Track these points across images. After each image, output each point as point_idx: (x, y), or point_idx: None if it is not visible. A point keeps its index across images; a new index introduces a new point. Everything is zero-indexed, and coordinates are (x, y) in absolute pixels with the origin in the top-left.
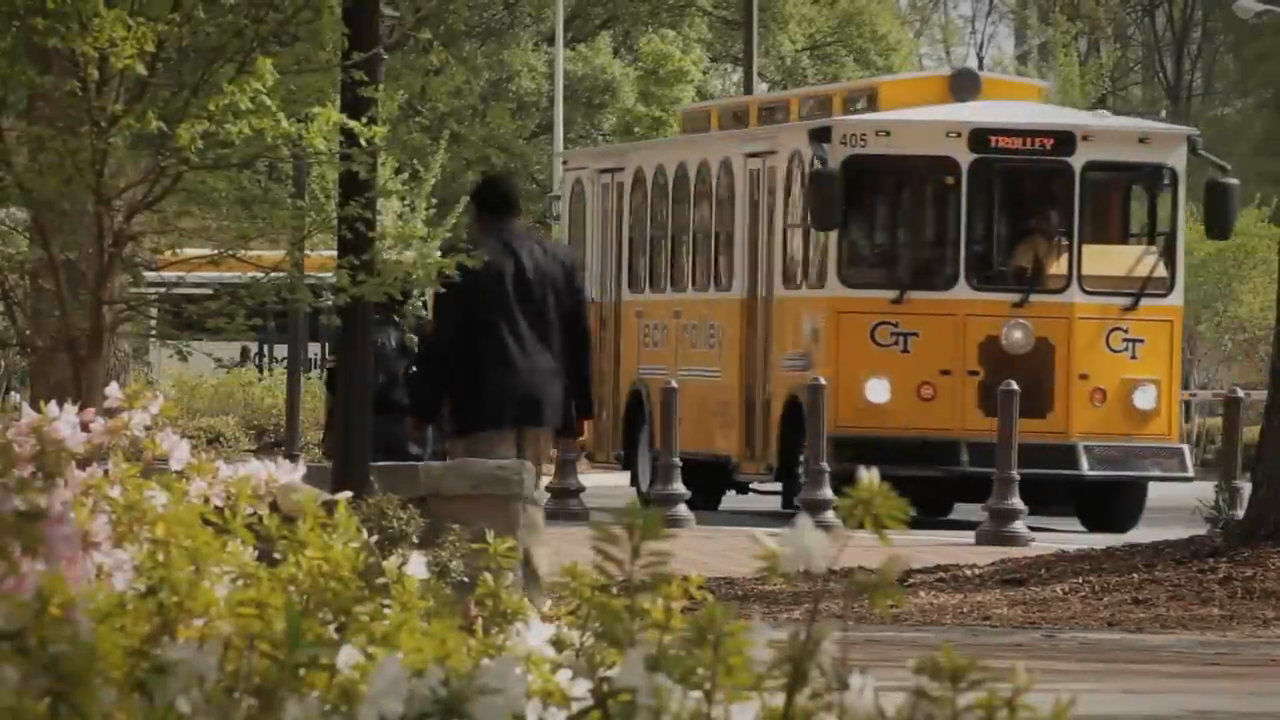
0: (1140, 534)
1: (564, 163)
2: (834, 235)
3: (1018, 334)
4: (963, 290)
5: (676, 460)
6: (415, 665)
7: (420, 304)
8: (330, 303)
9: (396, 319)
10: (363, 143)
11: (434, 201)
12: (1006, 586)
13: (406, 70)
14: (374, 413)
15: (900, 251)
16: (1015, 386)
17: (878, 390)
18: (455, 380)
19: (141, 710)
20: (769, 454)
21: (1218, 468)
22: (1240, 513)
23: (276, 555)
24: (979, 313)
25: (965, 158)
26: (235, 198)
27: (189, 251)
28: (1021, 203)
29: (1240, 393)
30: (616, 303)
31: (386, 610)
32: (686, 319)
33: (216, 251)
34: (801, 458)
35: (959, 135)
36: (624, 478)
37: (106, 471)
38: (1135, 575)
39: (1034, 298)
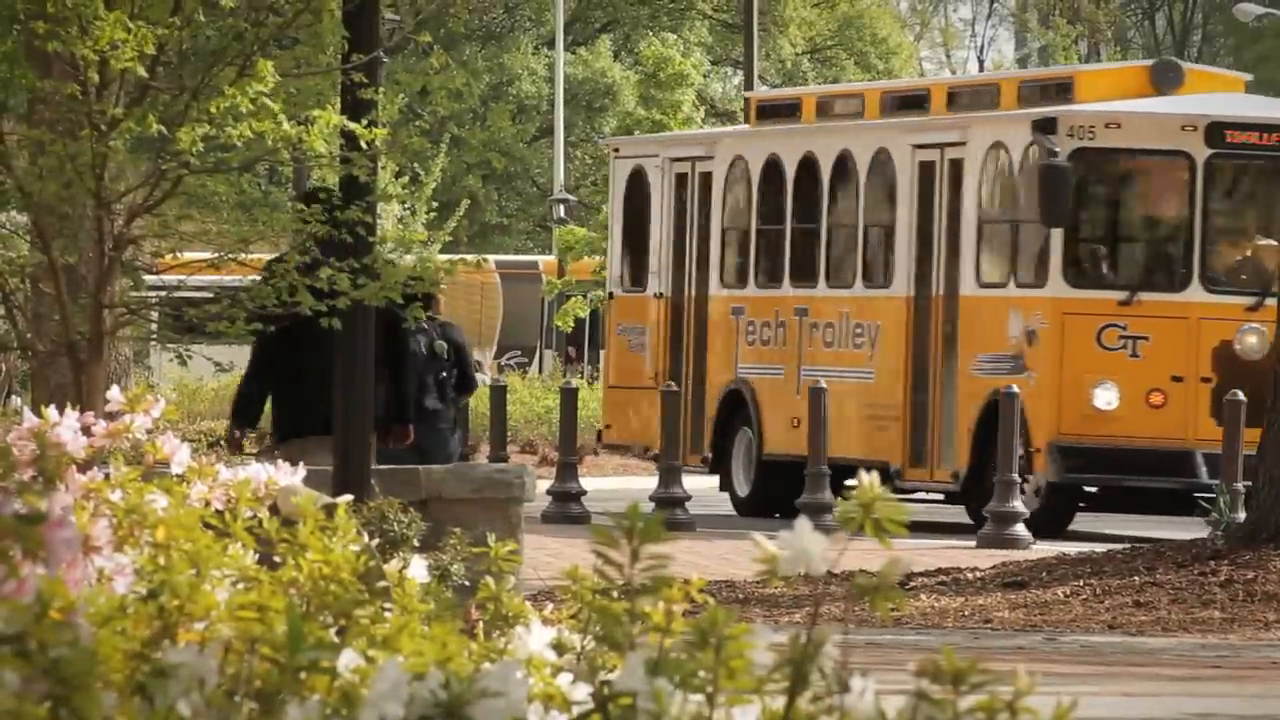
0: (1143, 536)
1: (614, 150)
2: (1058, 232)
3: (1252, 339)
4: (1196, 292)
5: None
6: (416, 668)
7: (419, 307)
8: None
9: (425, 325)
10: (363, 145)
11: (434, 205)
12: (1008, 589)
13: (406, 73)
14: (420, 424)
15: (1130, 250)
16: (1241, 396)
17: (1105, 396)
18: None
19: (142, 714)
20: (953, 461)
21: None
22: (1241, 515)
23: (277, 558)
24: (1213, 316)
25: (1201, 153)
26: (236, 201)
27: (189, 255)
28: (1256, 201)
29: (1240, 395)
30: (697, 298)
31: (387, 613)
32: (818, 317)
33: (217, 255)
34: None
35: (1195, 129)
36: (697, 480)
37: (107, 475)
38: (1136, 578)
39: (1269, 301)
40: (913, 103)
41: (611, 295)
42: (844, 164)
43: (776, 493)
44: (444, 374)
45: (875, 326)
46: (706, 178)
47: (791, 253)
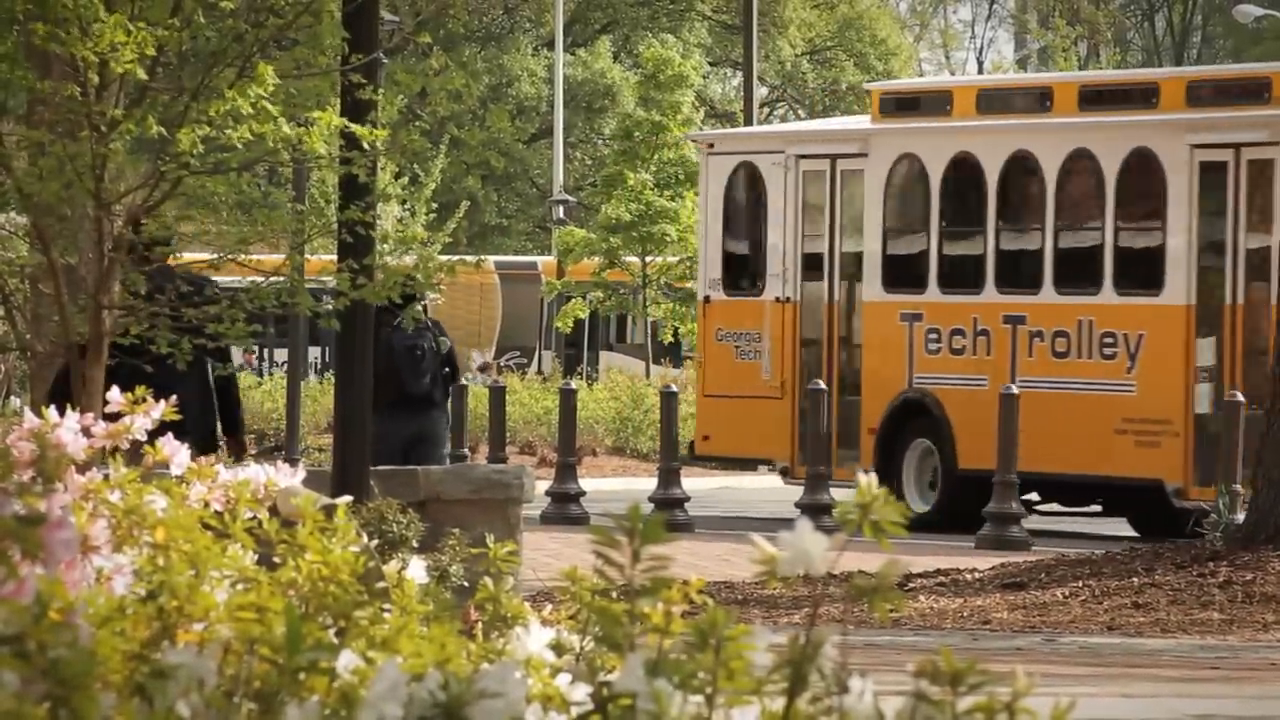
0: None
1: (707, 147)
2: None
3: None
4: None
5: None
6: (415, 669)
7: (420, 308)
8: (330, 307)
9: (428, 324)
10: (364, 146)
11: (434, 205)
12: (1006, 590)
13: (406, 74)
14: (412, 412)
15: None
16: (1240, 396)
17: None
18: None
19: (141, 714)
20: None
21: None
22: (1240, 516)
23: (276, 559)
24: None
25: None
26: (235, 202)
27: (189, 256)
28: None
29: (1239, 396)
30: (846, 303)
31: (386, 614)
32: (1040, 324)
33: (217, 256)
34: None
35: None
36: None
37: (106, 476)
38: (1135, 579)
39: None
40: (1143, 96)
41: (707, 299)
42: (1079, 163)
43: (973, 508)
44: (446, 369)
45: (1137, 336)
46: (851, 176)
47: (997, 256)
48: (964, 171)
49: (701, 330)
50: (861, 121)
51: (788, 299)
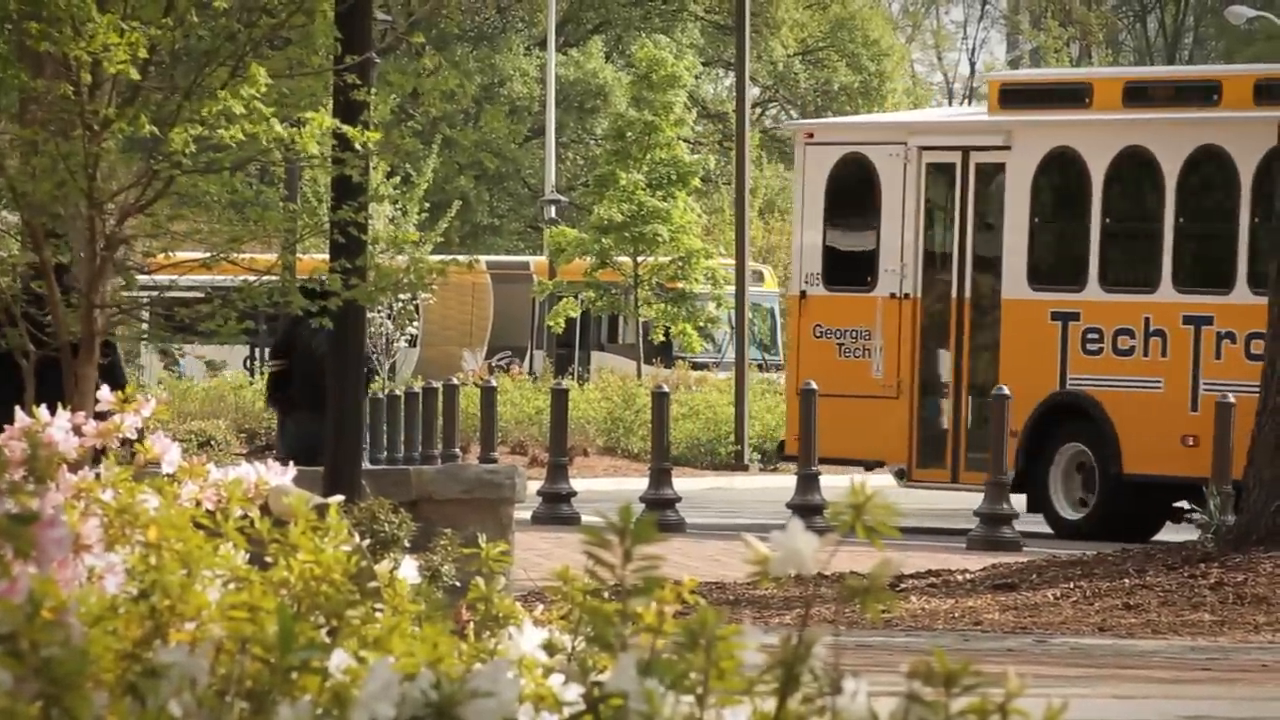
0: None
1: (807, 136)
2: None
3: None
4: None
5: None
6: (407, 669)
7: (413, 308)
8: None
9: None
10: (356, 147)
11: (426, 206)
12: (998, 591)
13: (399, 74)
14: (317, 411)
15: None
16: (1232, 399)
17: None
18: None
19: (133, 713)
20: None
21: None
22: (1231, 518)
23: (268, 558)
24: None
25: None
26: (227, 201)
27: (181, 255)
28: None
29: (1230, 397)
30: (982, 300)
31: (378, 614)
32: (1231, 325)
33: (209, 255)
34: None
35: None
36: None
37: (98, 475)
38: (1126, 580)
39: None
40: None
41: (803, 294)
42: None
43: (1135, 514)
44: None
45: None
46: (989, 169)
47: (1175, 254)
48: (1133, 166)
49: (794, 326)
50: (979, 113)
51: (906, 295)
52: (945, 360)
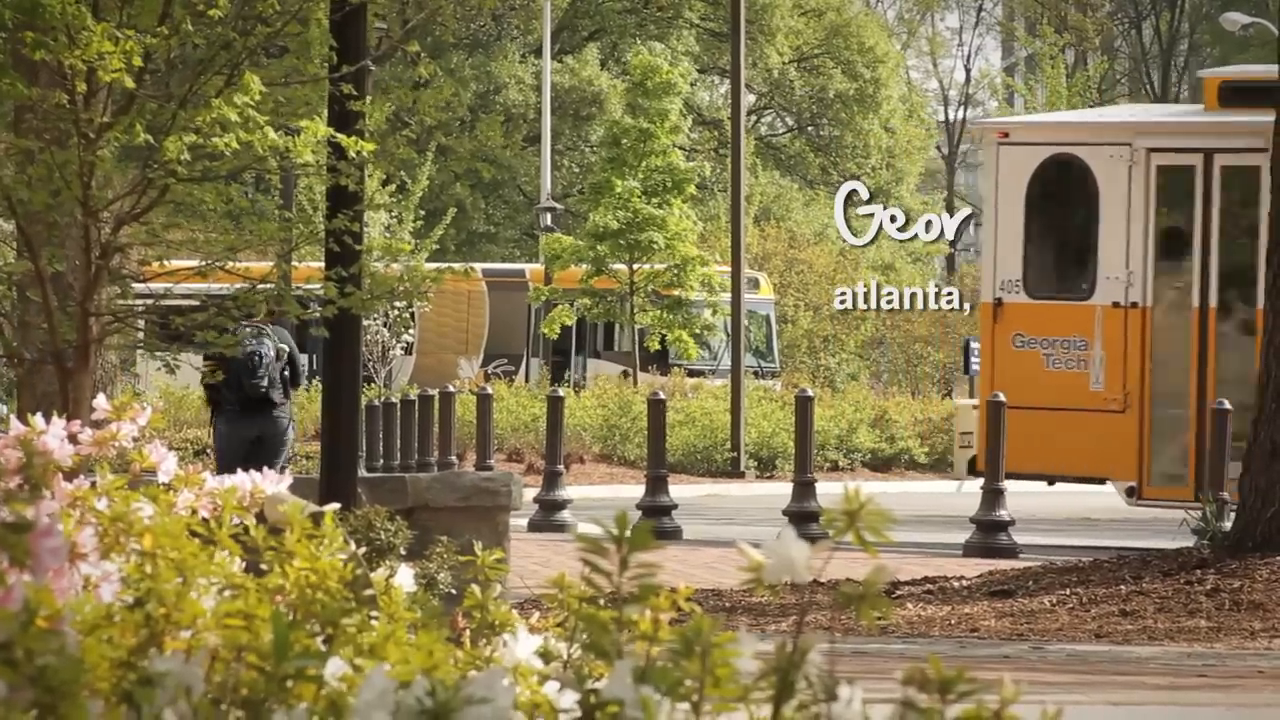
0: (1128, 545)
1: (1001, 135)
2: None
3: None
4: None
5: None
6: (402, 676)
7: (409, 315)
8: (317, 314)
9: (268, 329)
10: (351, 155)
11: (421, 213)
12: (994, 598)
13: (394, 83)
14: (254, 412)
15: None
16: (1228, 405)
17: None
18: None
19: None
20: None
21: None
22: (1227, 525)
23: (263, 566)
24: None
25: None
26: (223, 210)
27: (176, 263)
28: None
29: (1226, 404)
30: (1231, 311)
31: (374, 622)
32: None
33: (204, 263)
34: None
35: None
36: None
37: (94, 483)
38: (1123, 587)
39: None
40: None
41: (999, 302)
42: None
43: None
44: (285, 371)
45: None
46: (1235, 173)
47: None
48: None
49: (989, 336)
50: (1197, 113)
51: (1133, 304)
52: (1182, 372)
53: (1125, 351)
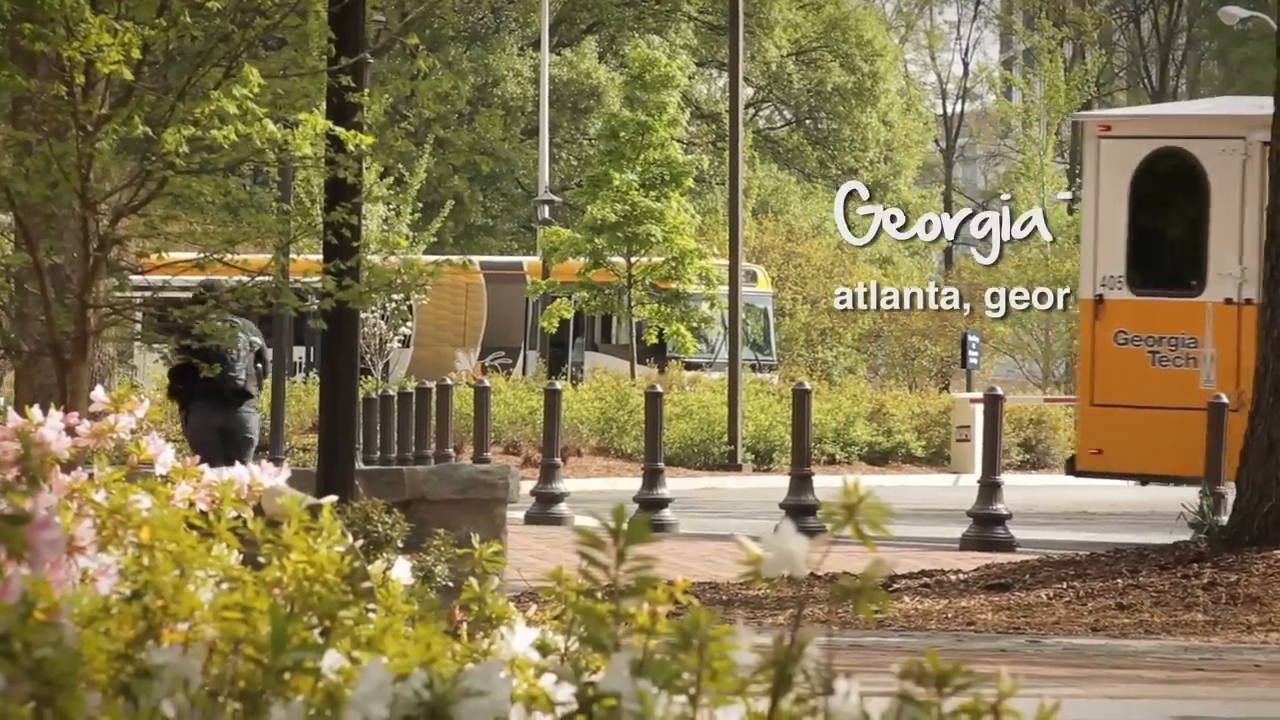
0: (1125, 539)
1: (1102, 129)
2: None
3: None
4: None
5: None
6: (400, 669)
7: (406, 308)
8: (315, 307)
9: (240, 323)
10: (349, 148)
11: (419, 206)
12: (991, 592)
13: (393, 75)
14: (227, 404)
15: None
16: (1225, 399)
17: None
18: None
19: (126, 714)
20: None
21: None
22: (1224, 518)
23: (261, 559)
24: None
25: None
26: (221, 202)
27: (175, 255)
28: None
29: (1224, 398)
30: None
31: (371, 614)
32: None
33: (202, 255)
34: None
35: None
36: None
37: (91, 475)
38: (1119, 581)
39: None
40: None
41: (1099, 299)
42: None
43: None
44: (258, 365)
45: None
46: None
47: None
48: None
49: (1089, 333)
50: None
51: (1247, 300)
52: None
53: (1239, 349)
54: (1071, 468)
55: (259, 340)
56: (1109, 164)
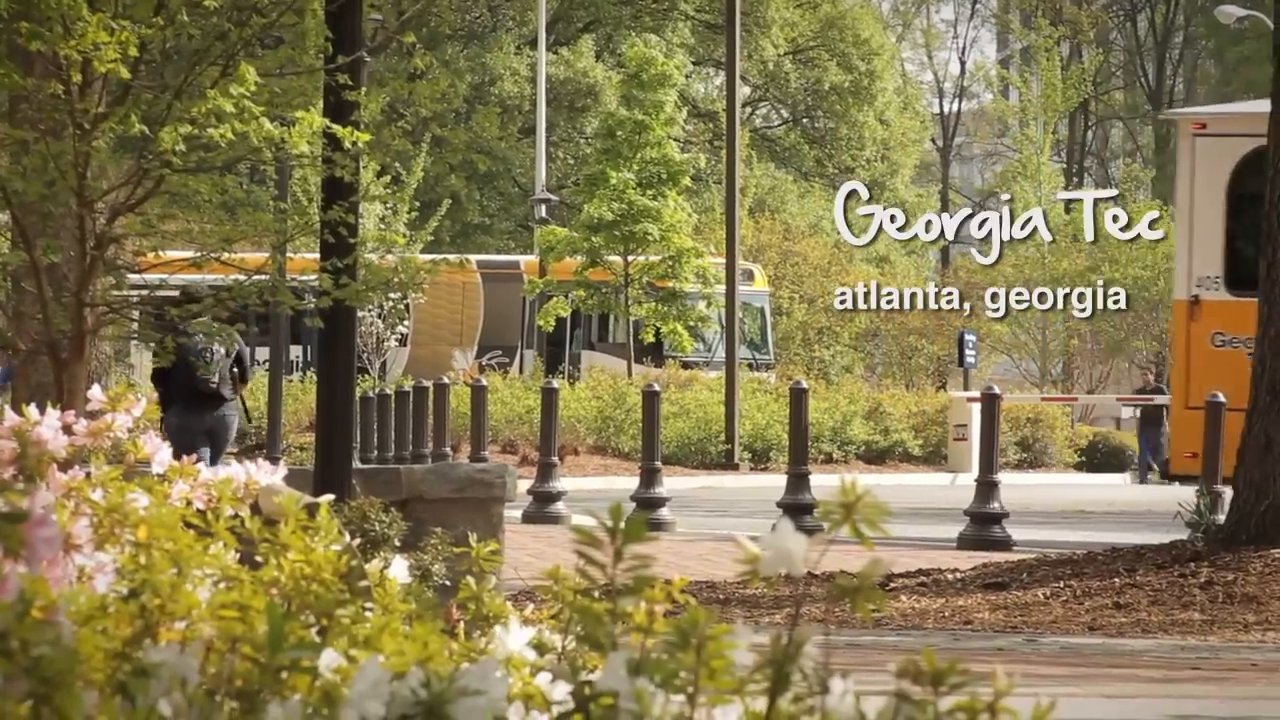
0: (1122, 538)
1: (1199, 126)
2: None
3: None
4: None
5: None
6: (397, 668)
7: (404, 307)
8: (312, 305)
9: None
10: (346, 146)
11: (416, 204)
12: (988, 590)
13: (390, 74)
14: (205, 406)
15: None
16: (1222, 397)
17: None
18: None
19: (123, 713)
20: None
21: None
22: (1221, 517)
23: (258, 558)
24: None
25: None
26: (218, 201)
27: (171, 254)
28: None
29: (1221, 397)
30: None
31: (368, 613)
32: None
33: (199, 254)
34: None
35: None
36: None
37: (88, 474)
38: (1116, 580)
39: None
40: None
41: (1195, 300)
42: None
43: None
44: (235, 369)
45: None
46: None
47: None
48: None
49: (1183, 335)
50: None
51: None
52: None
53: None
54: (1167, 471)
55: (237, 345)
56: (1204, 163)
